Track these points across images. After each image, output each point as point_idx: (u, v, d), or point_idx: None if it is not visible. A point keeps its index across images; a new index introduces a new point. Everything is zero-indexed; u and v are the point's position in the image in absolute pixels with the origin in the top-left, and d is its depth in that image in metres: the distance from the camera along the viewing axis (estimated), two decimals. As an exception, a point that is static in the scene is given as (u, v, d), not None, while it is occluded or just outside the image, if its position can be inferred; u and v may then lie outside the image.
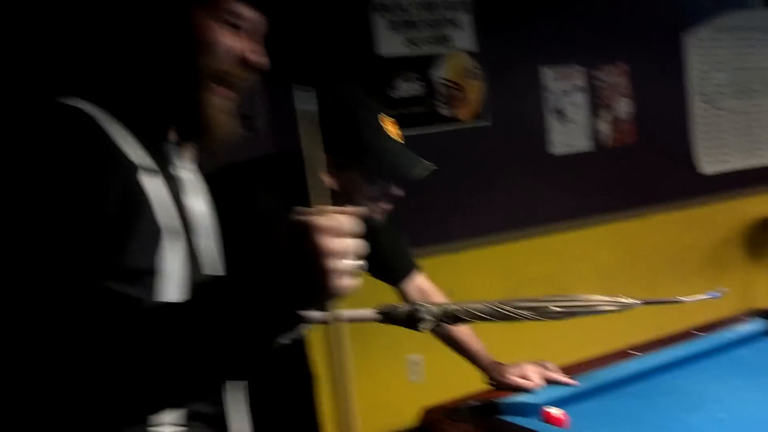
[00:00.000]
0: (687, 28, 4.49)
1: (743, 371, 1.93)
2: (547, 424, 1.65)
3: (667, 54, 4.44)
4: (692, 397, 1.78)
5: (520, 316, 1.60)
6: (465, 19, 3.68)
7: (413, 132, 3.57)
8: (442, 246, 3.70)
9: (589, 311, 1.62)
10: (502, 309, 1.60)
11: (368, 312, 1.59)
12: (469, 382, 2.07)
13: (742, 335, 2.13)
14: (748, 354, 2.06)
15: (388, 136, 1.76)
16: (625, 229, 4.23)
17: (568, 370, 1.93)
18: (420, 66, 3.57)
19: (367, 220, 1.62)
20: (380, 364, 3.59)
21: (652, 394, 1.83)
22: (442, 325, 1.83)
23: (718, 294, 1.67)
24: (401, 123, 3.45)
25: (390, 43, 3.48)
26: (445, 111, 3.65)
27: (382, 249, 1.92)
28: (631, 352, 2.06)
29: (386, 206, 1.83)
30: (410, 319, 1.60)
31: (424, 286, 2.17)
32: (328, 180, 1.68)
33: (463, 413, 1.79)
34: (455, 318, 1.65)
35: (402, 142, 1.79)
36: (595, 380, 1.87)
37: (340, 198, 1.73)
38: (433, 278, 3.62)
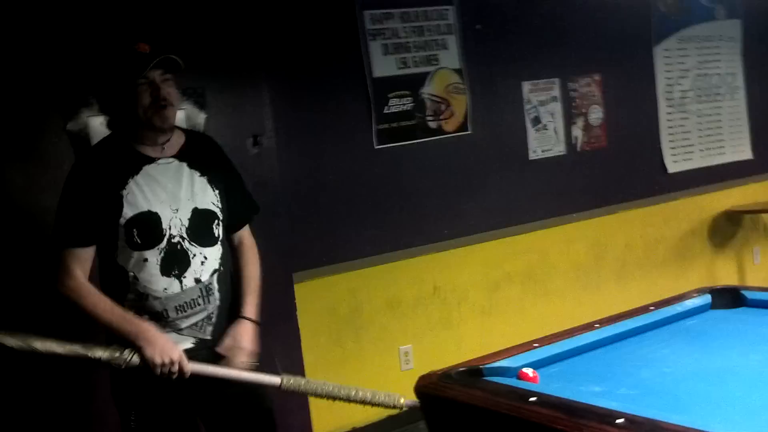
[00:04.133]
0: (656, 40, 4.86)
1: (688, 337, 2.27)
2: (522, 381, 2.00)
3: (636, 64, 4.80)
4: (643, 358, 2.11)
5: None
6: (450, 40, 4.06)
7: (404, 143, 3.96)
8: (431, 246, 4.07)
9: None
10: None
11: None
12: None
13: (691, 308, 2.47)
14: (695, 323, 2.40)
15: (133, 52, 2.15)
16: (597, 225, 4.58)
17: (542, 341, 2.28)
18: (410, 84, 3.95)
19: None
20: (374, 356, 3.92)
21: (609, 357, 2.17)
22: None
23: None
24: (394, 136, 3.85)
25: (383, 66, 3.86)
26: (432, 124, 4.02)
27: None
28: (595, 325, 2.40)
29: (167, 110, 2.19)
30: None
31: (245, 240, 2.45)
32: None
33: (453, 377, 2.09)
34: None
35: None
36: (562, 347, 2.22)
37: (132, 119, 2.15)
38: (422, 275, 4.03)
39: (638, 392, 1.84)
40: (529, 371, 2.03)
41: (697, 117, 5.06)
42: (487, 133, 4.21)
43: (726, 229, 5.14)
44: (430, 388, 2.04)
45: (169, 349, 2.08)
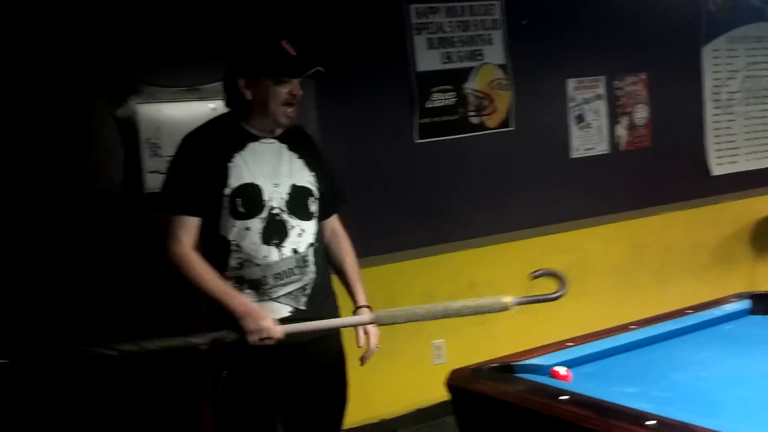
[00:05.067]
0: (705, 40, 4.79)
1: (726, 341, 2.26)
2: (554, 380, 2.01)
3: (684, 64, 4.74)
4: (679, 361, 2.11)
5: None
6: (496, 35, 4.06)
7: (446, 138, 3.96)
8: (468, 241, 4.07)
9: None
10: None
11: None
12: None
13: (729, 312, 2.46)
14: (733, 328, 2.39)
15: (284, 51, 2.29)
16: (637, 226, 4.54)
17: (577, 340, 2.29)
18: (453, 78, 3.95)
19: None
20: (406, 349, 3.90)
21: (644, 359, 2.17)
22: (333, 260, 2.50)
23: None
24: (435, 131, 3.85)
25: (427, 60, 3.88)
26: (475, 119, 4.02)
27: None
28: (630, 326, 2.39)
29: (293, 109, 2.32)
30: None
31: (337, 230, 2.57)
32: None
33: (485, 373, 2.12)
34: None
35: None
36: (597, 347, 2.22)
37: (258, 106, 2.27)
38: (458, 270, 4.03)
39: (672, 395, 1.85)
40: (562, 369, 2.04)
41: (744, 119, 4.98)
42: (530, 129, 4.19)
43: (770, 235, 5.06)
44: (461, 382, 2.08)
45: (262, 317, 2.22)
